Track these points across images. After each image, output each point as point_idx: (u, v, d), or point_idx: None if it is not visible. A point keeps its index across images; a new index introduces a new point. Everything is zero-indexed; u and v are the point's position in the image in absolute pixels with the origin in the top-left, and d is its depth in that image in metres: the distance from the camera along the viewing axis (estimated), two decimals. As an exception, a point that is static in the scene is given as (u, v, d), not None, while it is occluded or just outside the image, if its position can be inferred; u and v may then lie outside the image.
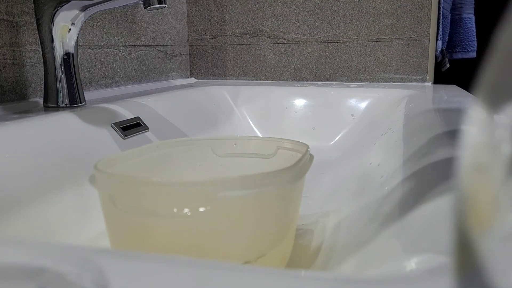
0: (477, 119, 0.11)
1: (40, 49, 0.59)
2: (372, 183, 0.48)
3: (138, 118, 0.61)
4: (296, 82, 0.98)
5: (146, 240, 0.31)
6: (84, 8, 0.56)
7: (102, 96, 0.74)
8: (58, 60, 0.58)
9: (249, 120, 0.84)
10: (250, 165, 0.44)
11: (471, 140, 0.11)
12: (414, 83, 0.92)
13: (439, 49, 1.06)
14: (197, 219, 0.29)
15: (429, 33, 0.91)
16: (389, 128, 0.63)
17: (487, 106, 0.10)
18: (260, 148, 0.44)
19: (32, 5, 0.60)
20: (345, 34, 0.95)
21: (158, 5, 0.53)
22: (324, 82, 0.97)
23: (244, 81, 1.02)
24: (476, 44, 1.17)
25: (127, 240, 0.32)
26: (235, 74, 1.04)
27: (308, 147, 0.38)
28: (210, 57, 1.06)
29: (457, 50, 1.17)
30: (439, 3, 0.98)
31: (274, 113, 0.83)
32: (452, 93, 0.73)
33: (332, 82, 0.95)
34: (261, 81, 1.00)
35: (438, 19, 1.00)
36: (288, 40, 0.99)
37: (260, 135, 0.81)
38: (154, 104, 0.67)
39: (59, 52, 0.58)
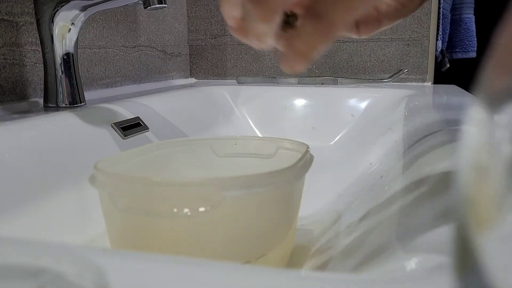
0: (477, 119, 0.11)
1: (40, 49, 0.59)
2: (372, 183, 0.48)
3: (138, 118, 0.61)
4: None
5: (146, 240, 0.31)
6: (84, 8, 0.56)
7: (102, 96, 0.74)
8: (58, 60, 0.58)
9: (249, 120, 0.84)
10: (250, 165, 0.44)
11: (471, 140, 0.11)
12: (414, 83, 0.92)
13: (439, 49, 1.06)
14: (197, 219, 0.29)
15: (429, 33, 0.91)
16: (389, 128, 0.63)
17: (487, 106, 0.10)
18: (260, 148, 0.44)
19: (32, 5, 0.60)
20: (345, 34, 0.95)
21: (158, 5, 0.53)
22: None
23: (244, 81, 1.02)
24: (476, 44, 1.17)
25: (127, 240, 0.32)
26: (235, 74, 1.04)
27: (308, 147, 0.38)
28: (210, 57, 1.06)
29: (457, 50, 1.17)
30: (439, 3, 0.98)
31: (274, 113, 0.83)
32: (452, 93, 0.73)
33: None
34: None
35: (438, 19, 1.00)
36: (288, 40, 0.99)
37: (260, 135, 0.81)
38: (154, 104, 0.67)
39: (59, 52, 0.58)
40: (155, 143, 0.42)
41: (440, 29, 1.03)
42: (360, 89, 0.83)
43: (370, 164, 0.57)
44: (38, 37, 0.59)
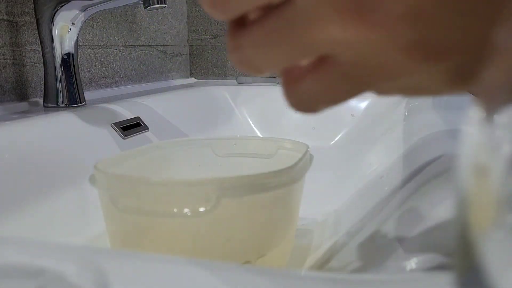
0: (477, 119, 0.11)
1: (40, 49, 0.59)
2: (372, 183, 0.48)
3: (138, 118, 0.61)
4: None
5: (146, 240, 0.31)
6: (84, 8, 0.56)
7: (102, 96, 0.74)
8: (58, 60, 0.58)
9: (249, 120, 0.84)
10: (250, 165, 0.44)
11: (471, 140, 0.11)
12: (414, 83, 0.92)
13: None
14: (197, 219, 0.29)
15: (429, 33, 0.91)
16: (389, 128, 0.63)
17: (487, 106, 0.10)
18: (260, 148, 0.44)
19: (32, 5, 0.60)
20: (345, 34, 0.95)
21: (158, 5, 0.53)
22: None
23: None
24: (476, 44, 1.17)
25: (127, 240, 0.32)
26: (235, 74, 1.04)
27: (308, 147, 0.38)
28: (210, 57, 1.06)
29: (457, 50, 1.17)
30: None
31: (274, 113, 0.83)
32: (452, 93, 0.73)
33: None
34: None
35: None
36: (288, 40, 0.99)
37: (260, 135, 0.81)
38: (154, 104, 0.67)
39: (59, 52, 0.58)
40: (155, 143, 0.42)
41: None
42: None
43: (370, 164, 0.57)
44: (38, 37, 0.59)
